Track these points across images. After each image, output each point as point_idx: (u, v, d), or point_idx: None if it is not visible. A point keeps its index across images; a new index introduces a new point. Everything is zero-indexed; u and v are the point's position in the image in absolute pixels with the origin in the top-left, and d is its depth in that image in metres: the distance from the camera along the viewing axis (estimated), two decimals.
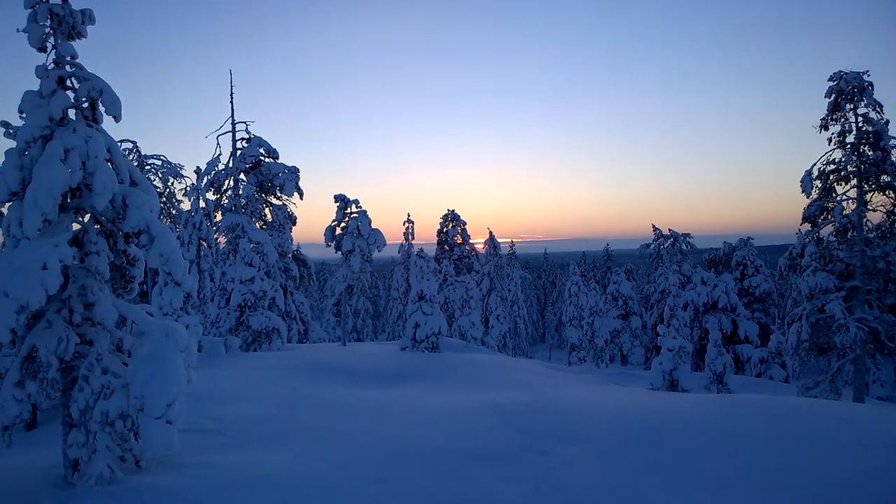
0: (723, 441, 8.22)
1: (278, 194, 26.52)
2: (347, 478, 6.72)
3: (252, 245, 21.10)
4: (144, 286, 24.33)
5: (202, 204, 20.09)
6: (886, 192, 21.21)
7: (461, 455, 7.89)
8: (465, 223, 42.02)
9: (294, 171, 26.17)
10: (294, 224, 27.12)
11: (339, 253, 24.22)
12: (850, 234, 21.39)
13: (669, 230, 45.00)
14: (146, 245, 7.18)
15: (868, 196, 21.29)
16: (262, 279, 20.43)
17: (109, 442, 6.82)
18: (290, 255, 27.35)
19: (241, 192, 25.29)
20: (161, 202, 27.94)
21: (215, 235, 23.77)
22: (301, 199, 26.65)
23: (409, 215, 47.70)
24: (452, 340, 26.92)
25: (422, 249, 24.80)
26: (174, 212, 28.13)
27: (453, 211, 41.70)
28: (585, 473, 7.18)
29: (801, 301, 22.10)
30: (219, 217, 25.46)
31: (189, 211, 19.83)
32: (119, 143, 25.75)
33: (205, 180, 25.10)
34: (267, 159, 26.17)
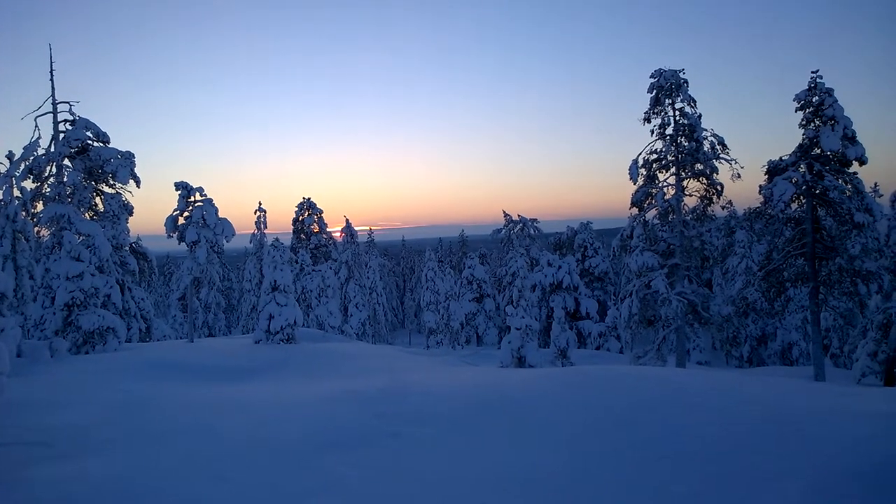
0: (563, 408, 8.88)
1: (111, 182, 24.25)
2: (184, 479, 6.40)
3: (80, 238, 19.19)
4: None
5: (17, 193, 17.90)
6: (700, 179, 23.83)
7: (313, 445, 7.83)
8: (321, 211, 41.32)
9: (129, 157, 24.07)
10: (131, 214, 25.07)
11: (184, 244, 22.86)
12: (670, 216, 23.82)
13: (519, 216, 47.27)
14: None
15: (685, 182, 23.81)
16: (92, 274, 18.68)
17: None
18: (127, 248, 25.24)
19: (65, 179, 22.82)
20: None
21: (35, 228, 21.31)
22: (138, 187, 24.60)
23: (260, 203, 46.11)
24: (310, 331, 26.46)
25: (277, 239, 24.04)
26: None
27: (309, 199, 40.83)
28: (433, 450, 7.45)
29: (631, 278, 24.35)
30: (39, 207, 22.82)
31: (1, 201, 17.58)
32: None
33: (21, 166, 22.31)
34: (96, 143, 23.80)
